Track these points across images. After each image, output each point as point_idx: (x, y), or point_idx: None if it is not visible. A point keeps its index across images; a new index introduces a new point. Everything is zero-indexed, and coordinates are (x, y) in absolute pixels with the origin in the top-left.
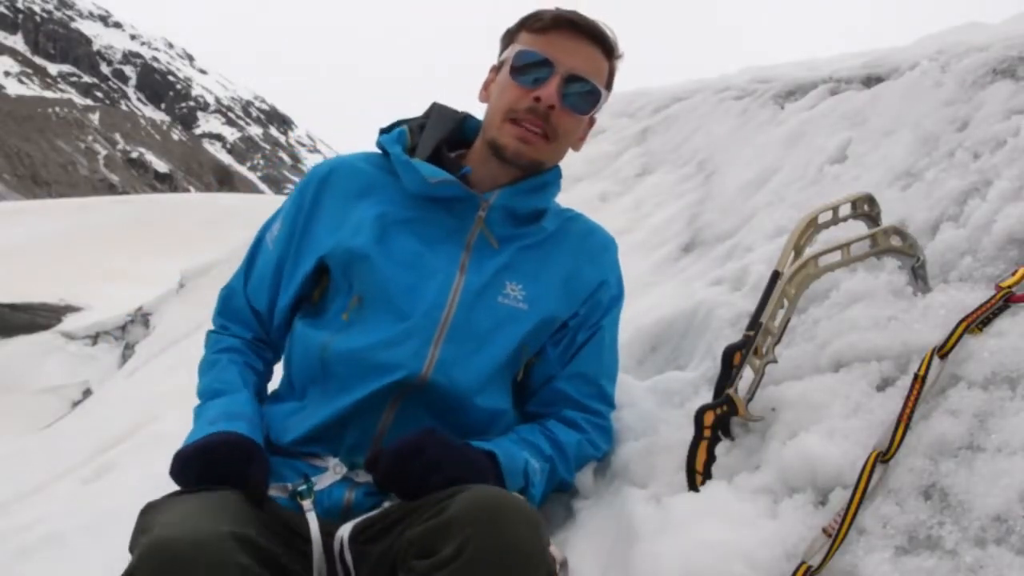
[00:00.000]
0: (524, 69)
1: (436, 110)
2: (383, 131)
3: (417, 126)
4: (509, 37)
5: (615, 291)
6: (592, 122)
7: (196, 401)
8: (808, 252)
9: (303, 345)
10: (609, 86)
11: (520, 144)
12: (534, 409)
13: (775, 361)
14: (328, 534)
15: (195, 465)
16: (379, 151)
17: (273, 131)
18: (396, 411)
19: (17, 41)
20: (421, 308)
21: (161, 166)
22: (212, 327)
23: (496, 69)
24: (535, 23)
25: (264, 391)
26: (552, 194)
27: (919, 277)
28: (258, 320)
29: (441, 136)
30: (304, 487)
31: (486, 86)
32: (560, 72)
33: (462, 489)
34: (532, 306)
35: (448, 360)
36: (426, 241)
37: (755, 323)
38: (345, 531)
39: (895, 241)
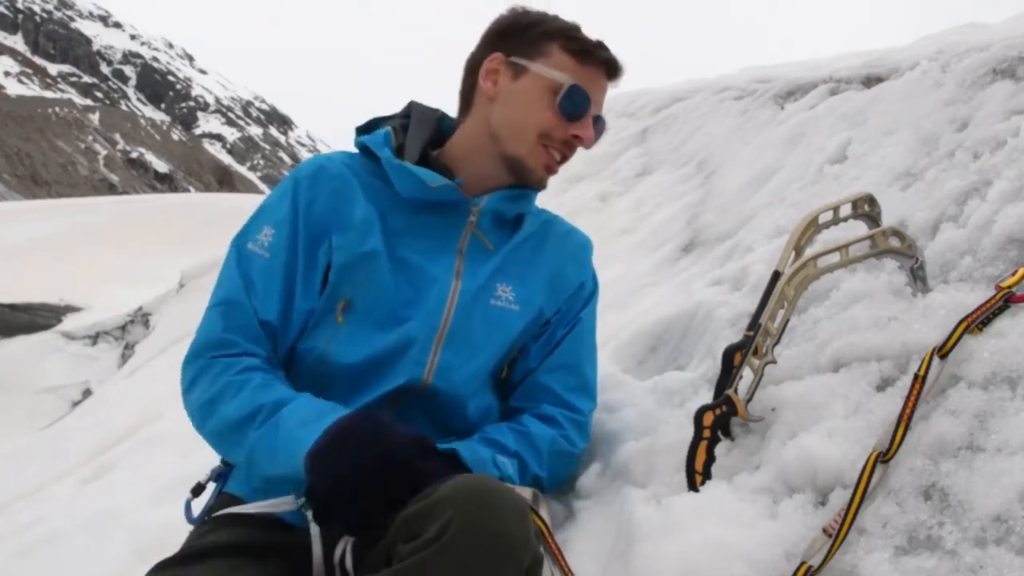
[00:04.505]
0: (571, 103)
1: (417, 109)
2: (360, 130)
3: (400, 127)
4: (538, 39)
5: (592, 287)
6: None
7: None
8: (808, 253)
9: (299, 352)
10: None
11: (546, 173)
12: (516, 404)
13: (774, 362)
14: (329, 547)
15: (363, 438)
16: (356, 152)
17: (273, 131)
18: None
19: (17, 41)
20: (420, 316)
21: (161, 166)
22: (212, 352)
23: (511, 64)
24: (575, 45)
25: None
26: (534, 199)
27: (918, 278)
28: (266, 334)
29: (426, 138)
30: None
31: (493, 77)
32: (592, 112)
33: (453, 476)
34: (523, 307)
35: (447, 365)
36: (422, 251)
37: (755, 323)
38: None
39: (894, 242)
